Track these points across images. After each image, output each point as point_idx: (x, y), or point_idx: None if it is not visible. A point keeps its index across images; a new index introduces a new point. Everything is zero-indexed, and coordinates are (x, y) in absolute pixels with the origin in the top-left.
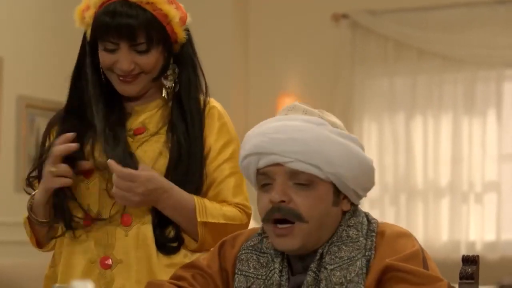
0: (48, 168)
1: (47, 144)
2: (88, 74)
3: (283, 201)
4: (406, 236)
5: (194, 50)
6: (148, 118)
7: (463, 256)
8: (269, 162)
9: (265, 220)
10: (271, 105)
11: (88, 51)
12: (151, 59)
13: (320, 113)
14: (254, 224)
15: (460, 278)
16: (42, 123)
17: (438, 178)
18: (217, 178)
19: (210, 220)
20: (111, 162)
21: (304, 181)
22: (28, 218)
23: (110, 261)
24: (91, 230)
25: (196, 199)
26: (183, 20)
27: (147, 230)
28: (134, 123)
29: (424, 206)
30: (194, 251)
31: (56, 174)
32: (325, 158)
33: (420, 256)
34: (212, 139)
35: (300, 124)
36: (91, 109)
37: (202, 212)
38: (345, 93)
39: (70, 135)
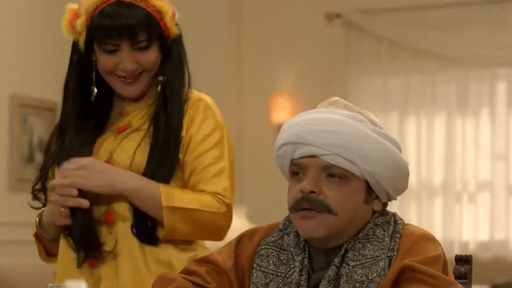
0: (57, 207)
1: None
2: (71, 83)
3: (313, 192)
4: (430, 239)
5: (183, 46)
6: (135, 116)
7: (456, 255)
8: (305, 153)
9: (292, 208)
10: (265, 104)
11: (76, 60)
12: (152, 56)
13: (360, 110)
14: (247, 222)
15: (454, 278)
16: (35, 123)
17: (431, 177)
18: (197, 167)
19: (178, 204)
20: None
21: (337, 174)
22: (36, 233)
23: (96, 261)
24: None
25: (162, 186)
26: (174, 15)
27: (128, 227)
28: (121, 122)
29: (417, 206)
30: (164, 238)
31: (64, 215)
32: (363, 155)
33: (441, 260)
34: (194, 129)
35: (341, 118)
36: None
37: (168, 197)
38: (339, 93)
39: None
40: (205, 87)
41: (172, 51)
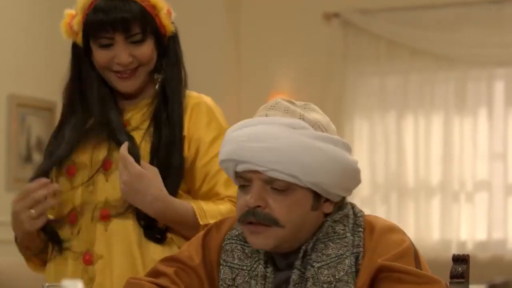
0: (25, 212)
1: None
2: (90, 77)
3: (259, 206)
4: (395, 230)
5: (179, 44)
6: (135, 115)
7: (454, 255)
8: (246, 169)
9: (240, 221)
10: (263, 104)
11: (77, 60)
12: (147, 49)
13: (303, 110)
14: None
15: (451, 277)
16: (32, 122)
17: (429, 177)
18: (210, 172)
19: (211, 221)
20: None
21: (281, 187)
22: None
23: (91, 257)
24: (75, 227)
25: (194, 204)
26: (169, 12)
27: (128, 225)
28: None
29: (415, 205)
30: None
31: (35, 216)
32: (303, 168)
33: (411, 252)
34: (202, 133)
35: (276, 130)
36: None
37: (202, 215)
38: (337, 92)
39: (44, 181)
40: (204, 87)
41: (168, 49)
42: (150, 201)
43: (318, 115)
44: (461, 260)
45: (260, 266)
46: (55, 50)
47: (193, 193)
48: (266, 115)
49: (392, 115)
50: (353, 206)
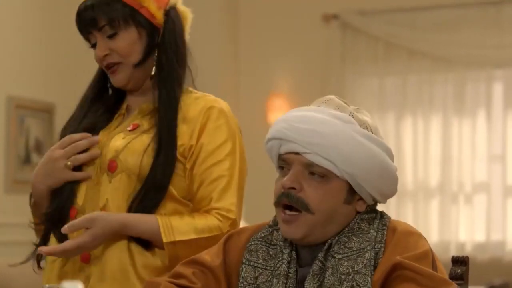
0: (63, 160)
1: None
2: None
3: (294, 188)
4: (417, 235)
5: (182, 38)
6: (145, 116)
7: (453, 257)
8: (289, 150)
9: (275, 203)
10: (261, 105)
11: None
12: (123, 41)
13: (354, 110)
14: (244, 223)
15: (450, 279)
16: (31, 124)
17: (428, 178)
18: (206, 180)
19: (178, 238)
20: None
21: (318, 172)
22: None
23: (89, 255)
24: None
25: (160, 220)
26: (161, 2)
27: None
28: (134, 120)
29: (414, 207)
30: (166, 264)
31: (70, 167)
32: (342, 156)
33: (430, 256)
34: (206, 140)
35: (325, 117)
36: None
37: (168, 232)
38: (335, 93)
39: (86, 134)
40: (202, 88)
41: (163, 43)
42: (111, 232)
43: (367, 118)
44: (460, 262)
45: (284, 265)
46: (54, 52)
47: (191, 198)
48: (319, 106)
49: (390, 116)
50: (382, 213)
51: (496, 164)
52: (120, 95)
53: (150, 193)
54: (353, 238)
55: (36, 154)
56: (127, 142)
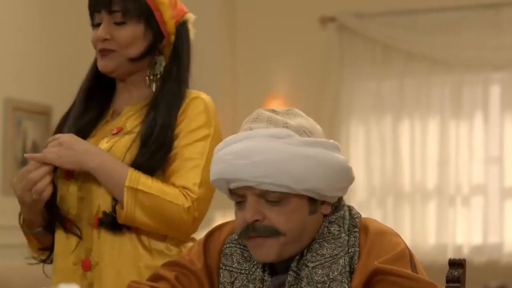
0: (27, 194)
1: None
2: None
3: (257, 220)
4: (390, 233)
5: (188, 47)
6: (130, 118)
7: (450, 259)
8: (238, 185)
9: (241, 236)
10: (259, 107)
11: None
12: (127, 33)
13: (285, 117)
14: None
15: (447, 282)
16: (28, 126)
17: (425, 181)
18: (181, 156)
19: (141, 188)
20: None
21: (275, 198)
22: (26, 233)
23: (89, 263)
24: (72, 233)
25: (131, 169)
26: (175, 11)
27: (117, 233)
28: (118, 123)
29: (411, 209)
30: (124, 222)
31: (37, 198)
32: (294, 177)
33: (407, 255)
34: (185, 123)
35: (262, 144)
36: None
37: (133, 179)
38: (333, 96)
39: (39, 157)
40: (201, 89)
41: (173, 51)
42: (83, 154)
43: (301, 120)
44: (457, 264)
45: (258, 270)
46: (52, 54)
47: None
48: (250, 129)
49: (388, 119)
50: (350, 208)
51: (493, 166)
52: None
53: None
54: (325, 244)
55: None
56: (111, 146)
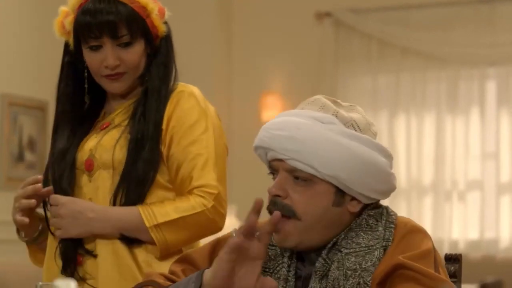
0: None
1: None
2: (63, 86)
3: (279, 196)
4: (422, 232)
5: (171, 44)
6: (119, 114)
7: (446, 254)
8: (273, 157)
9: (268, 210)
10: (255, 103)
11: (68, 61)
12: (135, 54)
13: (340, 108)
14: (237, 221)
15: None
16: (25, 121)
17: (421, 176)
18: (183, 161)
19: (161, 220)
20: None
21: (302, 177)
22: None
23: (81, 258)
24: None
25: (141, 208)
26: (161, 13)
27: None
28: (107, 119)
29: (407, 205)
30: (161, 255)
31: (17, 210)
32: (321, 160)
33: (432, 255)
34: (177, 122)
35: (303, 121)
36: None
37: (149, 216)
38: (329, 91)
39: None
40: (195, 86)
41: (160, 49)
42: (89, 222)
43: (356, 115)
44: (453, 259)
45: (283, 269)
46: (47, 49)
47: (172, 182)
48: (302, 109)
49: (384, 114)
50: (387, 208)
51: (489, 162)
52: (97, 101)
53: (132, 186)
54: (362, 234)
55: (29, 151)
56: (99, 140)
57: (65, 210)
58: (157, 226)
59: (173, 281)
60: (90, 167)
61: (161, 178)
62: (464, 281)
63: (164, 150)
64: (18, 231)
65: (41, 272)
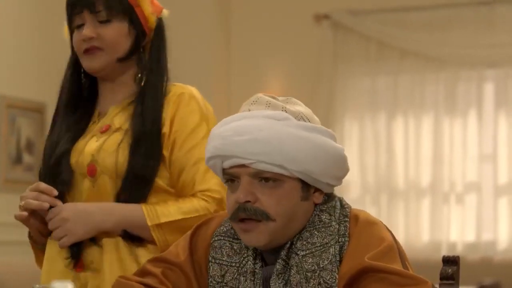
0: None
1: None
2: (64, 80)
3: (249, 201)
4: (379, 225)
5: (163, 39)
6: (117, 115)
7: (444, 256)
8: (232, 164)
9: (231, 219)
10: None
11: (71, 58)
12: (113, 30)
13: (284, 103)
14: None
15: (441, 279)
16: (23, 123)
17: (419, 178)
18: (186, 165)
19: (163, 220)
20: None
21: (269, 178)
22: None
23: (83, 264)
24: None
25: (144, 206)
26: (155, 6)
27: (118, 240)
28: (105, 122)
29: (405, 206)
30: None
31: (21, 208)
32: (288, 157)
33: (395, 249)
34: (179, 126)
35: (260, 122)
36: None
37: (152, 215)
38: (327, 93)
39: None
40: (194, 86)
41: (152, 45)
42: (94, 219)
43: (301, 108)
44: (451, 261)
45: (249, 262)
46: (46, 51)
47: (173, 186)
48: (249, 110)
49: (382, 116)
50: (341, 199)
51: (487, 163)
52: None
53: (134, 188)
54: (315, 232)
55: (27, 153)
56: (101, 144)
57: (68, 212)
58: (159, 225)
59: (148, 285)
60: (93, 173)
61: (162, 181)
62: (462, 283)
63: (166, 154)
64: (30, 235)
65: (38, 273)
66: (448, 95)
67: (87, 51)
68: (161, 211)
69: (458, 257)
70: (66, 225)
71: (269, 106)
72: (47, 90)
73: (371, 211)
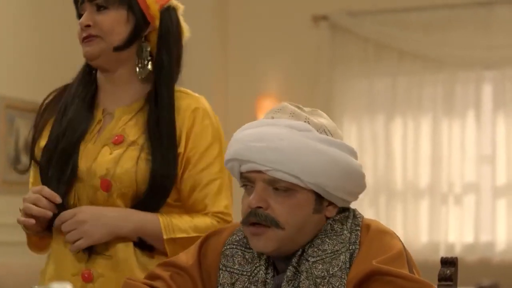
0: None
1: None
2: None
3: (261, 207)
4: (389, 234)
5: (177, 35)
6: (128, 123)
7: (442, 258)
8: (250, 169)
9: (243, 222)
10: (251, 106)
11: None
12: (109, 17)
13: (309, 115)
14: None
15: (439, 280)
16: (21, 124)
17: (417, 179)
18: (197, 185)
19: (179, 235)
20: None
21: (282, 188)
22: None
23: (91, 275)
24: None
25: (161, 217)
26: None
27: (128, 250)
28: (114, 128)
29: (403, 208)
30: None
31: (23, 213)
32: (304, 168)
33: (404, 256)
34: (194, 144)
35: (281, 131)
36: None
37: (168, 229)
38: (325, 95)
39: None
40: (191, 89)
41: (160, 40)
42: (112, 223)
43: (324, 120)
44: (449, 262)
45: (261, 271)
46: (45, 52)
47: (182, 202)
48: (272, 118)
49: (380, 117)
50: (354, 210)
51: (485, 165)
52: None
53: (148, 201)
54: (327, 240)
55: (25, 154)
56: (117, 159)
57: (84, 214)
58: (174, 240)
59: None
60: (108, 188)
61: (170, 198)
62: (460, 284)
63: (179, 172)
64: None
65: (36, 274)
66: (447, 97)
67: (84, 38)
68: (177, 225)
69: (456, 258)
70: (83, 227)
71: (292, 116)
72: (46, 91)
73: (370, 212)
